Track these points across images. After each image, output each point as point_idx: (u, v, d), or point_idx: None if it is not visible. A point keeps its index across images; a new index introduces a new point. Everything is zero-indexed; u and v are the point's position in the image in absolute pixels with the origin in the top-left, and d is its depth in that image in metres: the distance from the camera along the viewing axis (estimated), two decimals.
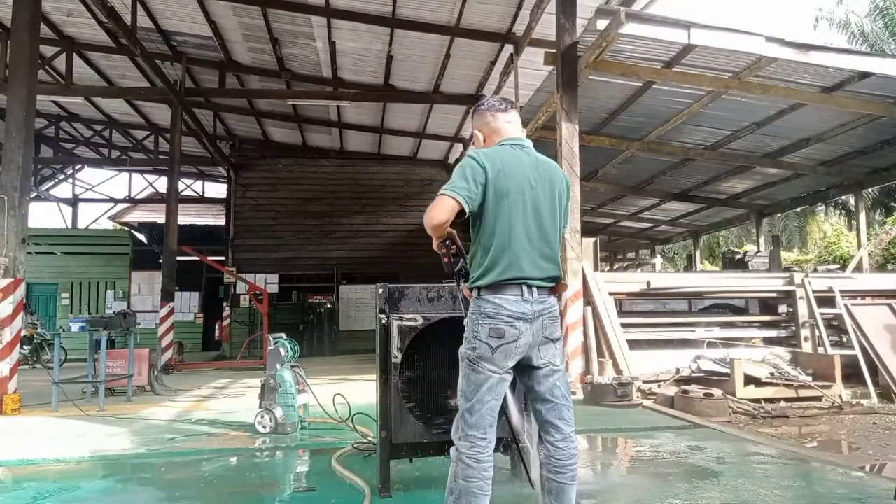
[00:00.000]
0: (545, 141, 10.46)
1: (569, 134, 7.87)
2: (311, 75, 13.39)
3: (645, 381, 7.50)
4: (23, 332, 7.84)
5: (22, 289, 7.18)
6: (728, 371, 7.36)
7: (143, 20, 11.22)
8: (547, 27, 9.31)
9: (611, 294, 8.33)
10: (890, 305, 8.52)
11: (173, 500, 3.52)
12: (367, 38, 11.44)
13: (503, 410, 2.58)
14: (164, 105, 14.26)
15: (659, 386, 7.37)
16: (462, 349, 2.52)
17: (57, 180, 22.09)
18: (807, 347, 8.50)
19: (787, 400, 7.20)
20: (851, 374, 7.83)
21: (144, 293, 17.04)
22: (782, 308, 9.37)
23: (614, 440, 5.03)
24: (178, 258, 13.74)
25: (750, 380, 7.24)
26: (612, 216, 17.86)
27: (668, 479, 3.64)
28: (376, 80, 13.21)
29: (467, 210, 2.54)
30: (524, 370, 2.53)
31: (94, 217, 23.01)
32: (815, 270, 12.08)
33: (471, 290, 2.56)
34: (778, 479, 3.67)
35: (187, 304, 18.18)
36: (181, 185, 18.67)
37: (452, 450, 2.44)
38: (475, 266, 2.57)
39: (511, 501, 3.39)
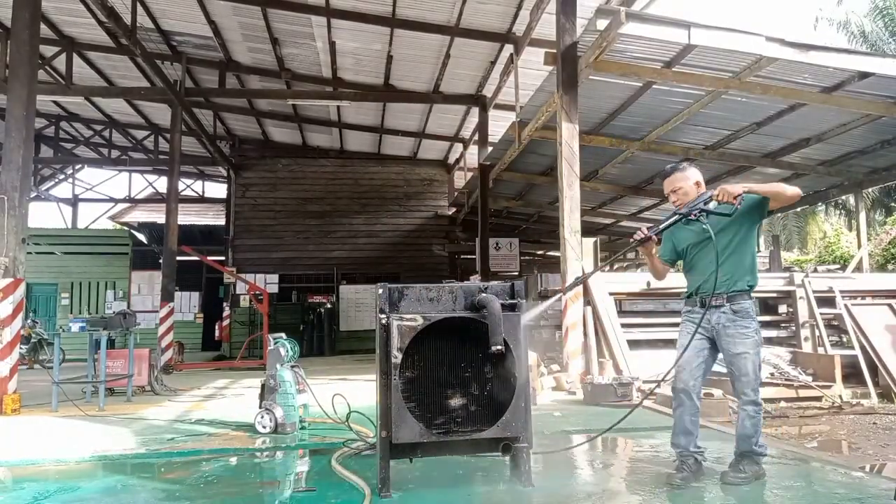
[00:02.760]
0: (545, 141, 10.47)
1: (569, 134, 7.87)
2: (311, 75, 13.41)
3: (645, 381, 7.50)
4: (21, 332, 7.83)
5: (22, 289, 7.18)
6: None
7: (144, 20, 11.23)
8: (547, 27, 9.32)
9: (611, 294, 8.33)
10: (890, 305, 8.52)
11: (173, 500, 3.52)
12: (367, 38, 11.45)
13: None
14: (164, 105, 14.27)
15: (659, 386, 7.36)
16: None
17: (57, 180, 22.10)
18: (807, 347, 8.50)
19: (787, 400, 7.21)
20: (851, 374, 7.83)
21: (144, 293, 17.05)
22: (782, 308, 9.37)
23: (614, 440, 5.02)
24: (178, 258, 13.74)
25: None
26: (612, 216, 17.84)
27: (673, 483, 3.62)
28: (376, 80, 13.22)
29: None
30: None
31: (94, 217, 23.05)
32: (815, 270, 12.07)
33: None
34: (778, 479, 3.67)
35: (187, 304, 18.19)
36: (181, 185, 18.69)
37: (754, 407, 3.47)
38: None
39: (511, 501, 3.40)
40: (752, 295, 3.62)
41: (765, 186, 3.54)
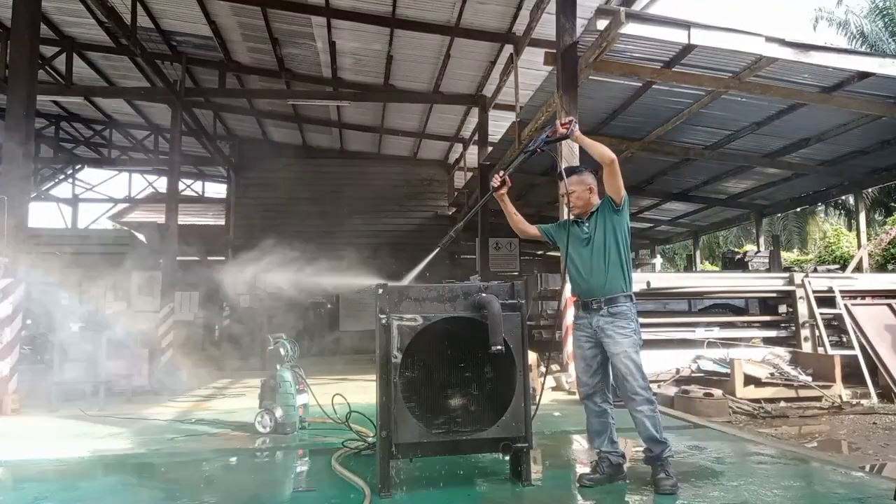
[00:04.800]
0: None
1: None
2: (311, 75, 13.40)
3: None
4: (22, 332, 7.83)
5: (22, 289, 7.18)
6: (728, 371, 7.37)
7: (143, 20, 11.22)
8: (547, 27, 9.31)
9: None
10: (890, 305, 8.52)
11: (173, 499, 3.52)
12: (367, 38, 11.44)
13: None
14: (164, 105, 14.25)
15: (659, 386, 7.37)
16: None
17: (57, 180, 22.06)
18: (807, 347, 8.51)
19: (787, 400, 7.21)
20: (851, 374, 7.83)
21: (144, 293, 17.02)
22: (782, 308, 9.37)
23: None
24: (178, 258, 13.73)
25: (750, 380, 7.24)
26: None
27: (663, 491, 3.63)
28: (376, 80, 13.21)
29: None
30: None
31: (94, 217, 23.03)
32: (815, 270, 12.08)
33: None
34: (778, 479, 3.67)
35: (187, 304, 18.17)
36: (181, 185, 18.66)
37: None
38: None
39: (511, 501, 3.40)
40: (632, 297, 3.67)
41: (586, 139, 3.64)
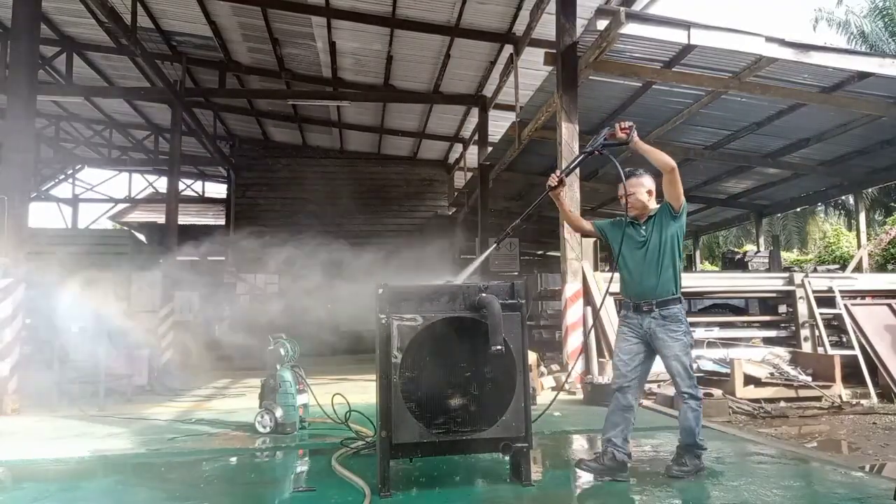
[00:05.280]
0: (545, 141, 10.46)
1: (569, 134, 7.87)
2: (311, 75, 13.40)
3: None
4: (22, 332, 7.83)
5: (22, 289, 7.18)
6: (728, 371, 7.37)
7: (143, 20, 11.22)
8: (547, 27, 9.32)
9: (611, 294, 8.32)
10: (890, 305, 8.52)
11: (173, 499, 3.52)
12: (367, 38, 11.45)
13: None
14: (164, 105, 14.27)
15: (659, 386, 7.37)
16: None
17: (57, 180, 22.06)
18: (807, 347, 8.50)
19: (786, 400, 7.21)
20: (851, 374, 7.83)
21: (144, 293, 17.00)
22: (782, 308, 9.37)
23: None
24: (178, 258, 13.73)
25: (750, 380, 7.24)
26: (611, 216, 17.84)
27: (668, 479, 3.64)
28: (376, 80, 13.22)
29: None
30: None
31: (94, 217, 23.02)
32: (815, 270, 12.08)
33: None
34: (778, 479, 3.67)
35: (187, 304, 18.16)
36: (181, 185, 18.67)
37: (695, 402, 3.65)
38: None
39: (511, 501, 3.40)
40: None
41: (646, 146, 3.69)
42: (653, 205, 3.84)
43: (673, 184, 3.62)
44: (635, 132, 3.63)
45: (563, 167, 3.89)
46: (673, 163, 3.59)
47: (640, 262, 3.73)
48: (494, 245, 3.94)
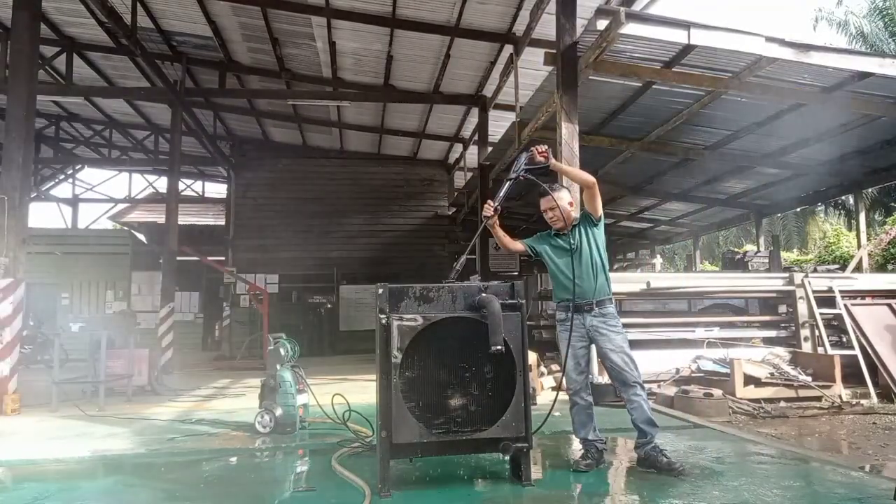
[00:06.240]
0: (545, 141, 10.44)
1: (569, 134, 7.86)
2: (311, 75, 13.40)
3: (645, 381, 7.49)
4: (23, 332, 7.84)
5: (22, 289, 7.19)
6: (728, 371, 7.36)
7: (143, 20, 11.22)
8: (547, 27, 9.31)
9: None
10: (890, 305, 8.52)
11: (173, 499, 3.52)
12: (367, 38, 11.44)
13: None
14: (164, 105, 14.26)
15: (659, 386, 7.37)
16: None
17: (57, 180, 22.07)
18: (807, 347, 8.50)
19: (786, 400, 7.21)
20: (851, 374, 7.82)
21: (144, 293, 17.02)
22: (782, 308, 9.36)
23: (614, 440, 5.03)
24: (178, 258, 13.74)
25: (750, 380, 7.24)
26: (612, 216, 17.83)
27: (668, 479, 3.64)
28: (376, 80, 13.21)
29: None
30: None
31: (94, 217, 23.06)
32: (815, 270, 12.07)
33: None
34: (778, 479, 3.68)
35: (187, 304, 18.18)
36: (181, 185, 18.67)
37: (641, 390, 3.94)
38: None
39: (511, 501, 3.40)
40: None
41: (565, 167, 4.18)
42: (575, 213, 4.25)
43: (593, 197, 4.03)
44: (551, 155, 4.00)
45: (497, 196, 4.14)
46: (592, 179, 3.97)
47: (577, 266, 4.03)
48: (452, 277, 3.90)
